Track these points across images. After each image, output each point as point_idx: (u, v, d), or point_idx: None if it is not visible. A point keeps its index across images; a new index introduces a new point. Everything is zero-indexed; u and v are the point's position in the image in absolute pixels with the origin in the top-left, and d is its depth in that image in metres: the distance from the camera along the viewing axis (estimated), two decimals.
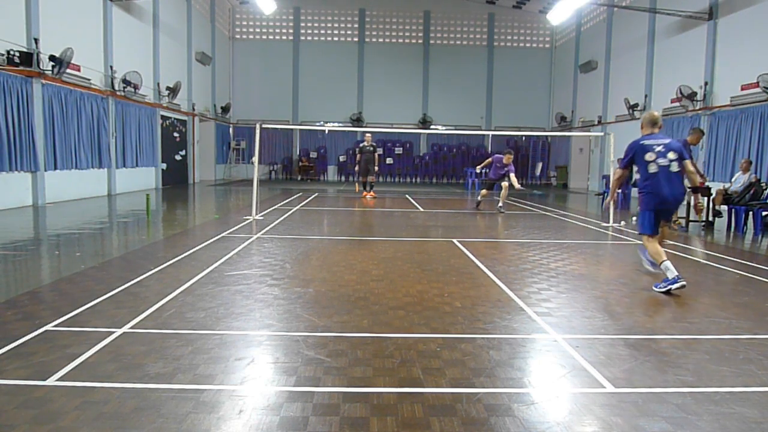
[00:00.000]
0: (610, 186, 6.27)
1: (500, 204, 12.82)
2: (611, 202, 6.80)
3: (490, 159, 13.57)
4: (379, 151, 16.97)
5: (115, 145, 15.76)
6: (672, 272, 5.09)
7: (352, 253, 6.91)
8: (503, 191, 12.83)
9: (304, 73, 27.22)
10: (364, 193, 15.92)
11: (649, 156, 5.47)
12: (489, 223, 11.03)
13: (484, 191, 13.53)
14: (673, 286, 5.04)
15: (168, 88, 19.02)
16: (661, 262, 5.24)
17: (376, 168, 15.90)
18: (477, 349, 3.54)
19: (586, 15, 24.22)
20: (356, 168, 15.97)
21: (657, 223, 5.51)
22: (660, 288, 5.19)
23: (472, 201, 16.40)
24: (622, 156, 5.89)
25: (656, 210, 5.44)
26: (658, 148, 5.49)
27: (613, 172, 5.99)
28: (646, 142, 5.61)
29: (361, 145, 15.65)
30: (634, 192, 17.43)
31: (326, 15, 27.37)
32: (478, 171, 14.36)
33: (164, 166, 19.44)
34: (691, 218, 10.76)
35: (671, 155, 5.43)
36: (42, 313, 4.08)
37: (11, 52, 11.12)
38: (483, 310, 4.45)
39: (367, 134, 15.85)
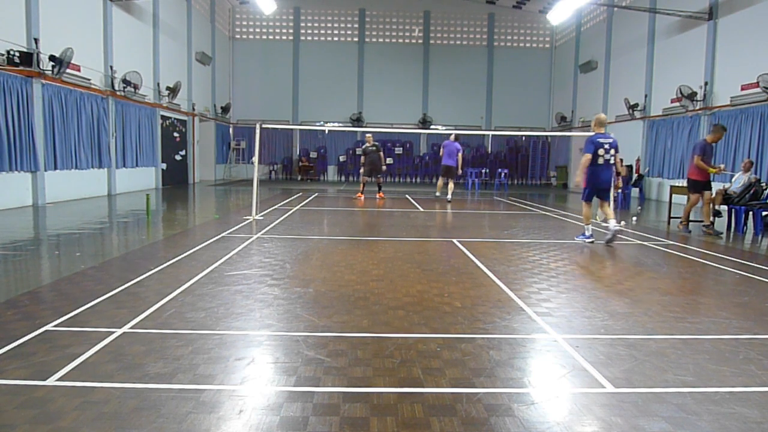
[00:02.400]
0: (580, 168, 7.89)
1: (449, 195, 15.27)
2: (581, 182, 8.21)
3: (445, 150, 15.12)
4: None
5: (115, 145, 15.76)
6: (589, 231, 8.08)
7: (352, 253, 6.91)
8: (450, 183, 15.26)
9: (304, 73, 27.22)
10: (359, 194, 15.49)
11: (601, 151, 7.70)
12: (489, 223, 11.04)
13: (450, 184, 15.25)
14: (587, 240, 7.99)
15: (168, 88, 19.02)
16: (588, 224, 8.07)
17: (384, 167, 15.60)
18: (477, 349, 3.54)
19: (586, 15, 24.22)
20: (361, 170, 15.58)
21: (593, 195, 8.07)
22: (579, 239, 8.08)
23: (472, 201, 16.41)
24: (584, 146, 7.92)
25: (594, 187, 7.95)
26: (606, 146, 7.74)
27: (583, 157, 7.83)
28: (600, 140, 7.72)
29: (364, 146, 15.35)
30: (635, 192, 17.58)
31: (326, 15, 27.37)
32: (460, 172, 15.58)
33: (164, 166, 19.44)
34: (691, 218, 10.76)
35: (612, 152, 7.80)
36: (42, 313, 4.08)
37: (11, 52, 11.12)
38: (483, 310, 4.45)
39: (368, 134, 15.53)
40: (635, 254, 7.39)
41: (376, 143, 15.43)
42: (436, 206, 14.05)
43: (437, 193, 16.23)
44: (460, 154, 14.91)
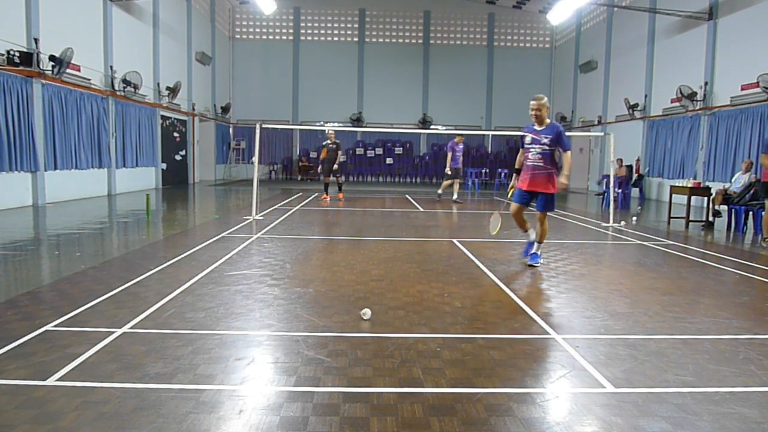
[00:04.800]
0: (568, 168, 6.07)
1: (456, 196, 15.01)
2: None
3: (450, 153, 14.61)
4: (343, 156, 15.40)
5: (115, 145, 15.77)
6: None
7: (352, 253, 6.91)
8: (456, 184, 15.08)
9: (304, 73, 27.22)
10: (325, 195, 14.60)
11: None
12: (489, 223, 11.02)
13: (448, 183, 15.17)
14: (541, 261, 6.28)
15: (168, 88, 19.02)
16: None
17: (335, 166, 14.28)
18: (477, 349, 3.54)
19: (586, 15, 24.22)
20: (318, 168, 14.71)
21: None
22: (538, 261, 6.22)
23: (472, 201, 16.40)
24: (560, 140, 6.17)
25: None
26: None
27: (568, 155, 6.11)
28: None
29: (324, 143, 14.51)
30: (635, 192, 17.58)
31: (326, 15, 27.37)
32: (448, 172, 14.90)
33: (164, 166, 19.44)
34: (690, 218, 10.77)
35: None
36: (42, 313, 4.08)
37: (11, 52, 11.12)
38: (483, 310, 4.45)
39: (330, 131, 14.74)
40: (635, 254, 7.39)
41: (337, 141, 14.45)
42: (436, 206, 14.06)
43: (454, 196, 15.10)
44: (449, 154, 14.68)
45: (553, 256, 6.97)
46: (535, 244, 6.32)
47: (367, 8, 27.21)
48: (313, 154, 27.24)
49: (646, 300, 4.89)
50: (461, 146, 14.66)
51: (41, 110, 12.19)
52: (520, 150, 6.32)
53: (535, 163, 6.12)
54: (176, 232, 8.65)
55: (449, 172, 14.74)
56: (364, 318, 4.07)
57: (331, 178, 14.58)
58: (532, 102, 6.07)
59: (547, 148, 6.04)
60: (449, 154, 14.52)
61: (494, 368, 3.23)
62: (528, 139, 6.15)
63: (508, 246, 7.83)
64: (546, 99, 6.14)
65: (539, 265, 6.22)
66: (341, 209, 12.95)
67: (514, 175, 6.46)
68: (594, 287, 5.38)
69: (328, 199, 14.54)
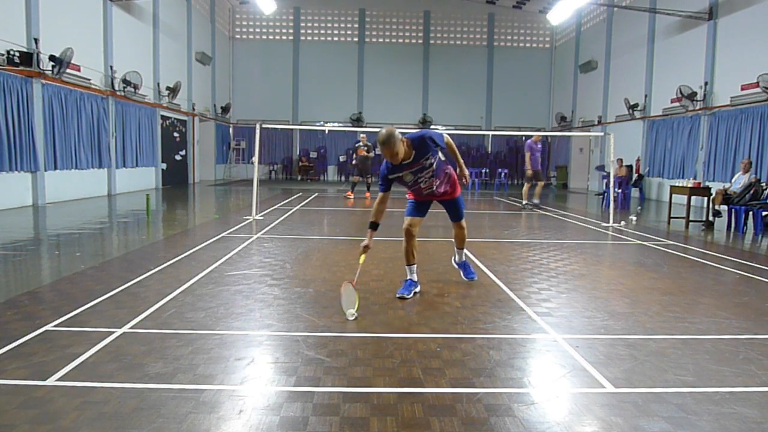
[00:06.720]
0: (460, 157, 5.21)
1: (537, 200, 13.76)
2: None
3: (528, 153, 13.15)
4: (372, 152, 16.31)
5: (115, 145, 15.76)
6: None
7: (352, 253, 6.90)
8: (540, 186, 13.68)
9: (304, 73, 27.22)
10: (348, 192, 15.77)
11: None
12: (489, 223, 11.03)
13: (532, 186, 13.60)
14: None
15: (168, 88, 19.02)
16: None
17: (353, 161, 15.88)
18: (477, 349, 3.54)
19: (586, 15, 24.22)
20: (354, 162, 16.03)
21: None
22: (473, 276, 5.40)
23: (473, 201, 16.39)
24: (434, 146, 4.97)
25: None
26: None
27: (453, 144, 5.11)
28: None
29: (356, 144, 15.76)
30: (635, 192, 17.57)
31: (326, 15, 27.37)
32: (531, 172, 13.22)
33: (164, 166, 19.44)
34: (690, 218, 10.76)
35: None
36: (42, 313, 4.08)
37: (11, 52, 11.11)
38: (483, 310, 4.45)
39: (362, 134, 15.68)
40: (635, 254, 7.39)
41: (369, 144, 15.37)
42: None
43: (536, 201, 13.86)
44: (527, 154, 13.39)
45: (553, 256, 6.97)
46: (458, 252, 5.49)
47: (367, 8, 27.20)
48: (313, 154, 27.27)
49: (646, 300, 4.89)
50: (539, 145, 13.36)
51: (41, 110, 12.18)
52: (381, 195, 4.88)
53: (434, 189, 5.03)
54: (176, 232, 8.65)
55: (530, 174, 13.39)
56: (350, 318, 4.08)
57: (361, 178, 15.76)
58: (382, 148, 4.41)
59: (436, 163, 4.82)
60: (527, 154, 13.20)
61: (494, 368, 3.23)
62: (409, 178, 4.83)
63: (508, 246, 7.83)
64: (395, 135, 4.40)
65: (476, 277, 5.44)
66: (340, 209, 12.95)
67: (370, 231, 4.90)
68: (594, 287, 5.38)
69: (351, 196, 15.47)
